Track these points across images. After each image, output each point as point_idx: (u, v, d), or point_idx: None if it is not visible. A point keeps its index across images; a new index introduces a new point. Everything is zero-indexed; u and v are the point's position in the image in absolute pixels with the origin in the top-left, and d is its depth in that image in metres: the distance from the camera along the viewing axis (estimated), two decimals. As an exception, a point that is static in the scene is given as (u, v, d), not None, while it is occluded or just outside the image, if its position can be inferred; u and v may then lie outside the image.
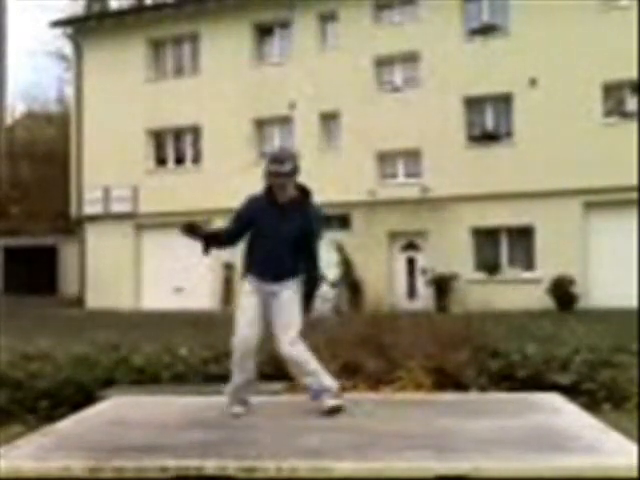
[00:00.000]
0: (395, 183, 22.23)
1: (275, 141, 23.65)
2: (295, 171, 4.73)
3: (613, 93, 20.50)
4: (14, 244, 30.87)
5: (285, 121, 23.28)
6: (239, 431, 4.22)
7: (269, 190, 4.76)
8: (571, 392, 5.70)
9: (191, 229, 4.91)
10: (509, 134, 21.40)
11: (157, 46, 25.39)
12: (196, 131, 24.45)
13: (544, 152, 20.12)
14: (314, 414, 4.62)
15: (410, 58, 22.03)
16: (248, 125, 23.58)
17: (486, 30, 21.66)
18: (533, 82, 20.61)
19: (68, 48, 29.98)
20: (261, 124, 23.85)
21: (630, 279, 18.86)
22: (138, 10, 26.39)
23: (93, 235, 25.28)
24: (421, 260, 21.86)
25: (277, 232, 4.72)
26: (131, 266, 24.66)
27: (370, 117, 21.88)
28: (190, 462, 3.49)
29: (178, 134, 25.04)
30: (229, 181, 22.22)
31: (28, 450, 3.86)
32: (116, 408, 5.10)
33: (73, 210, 25.95)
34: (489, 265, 21.13)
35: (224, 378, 6.33)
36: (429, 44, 21.54)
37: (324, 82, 22.36)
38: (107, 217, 24.94)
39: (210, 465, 3.45)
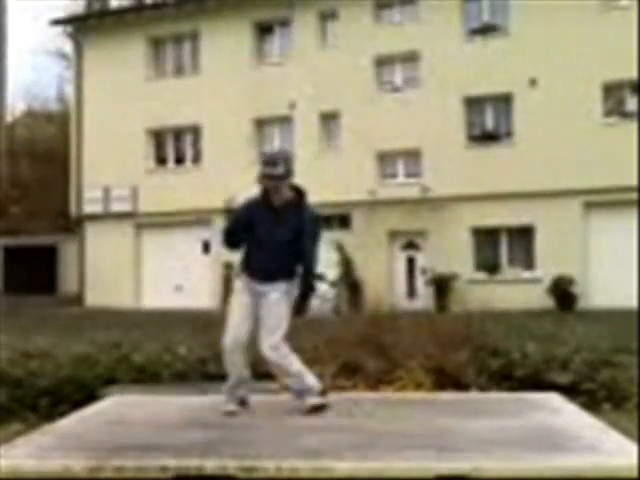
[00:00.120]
0: (395, 183, 22.23)
1: (275, 141, 23.66)
2: (288, 173, 4.74)
3: (613, 93, 20.51)
4: (14, 243, 30.84)
5: (285, 121, 23.28)
6: (239, 431, 4.22)
7: (264, 193, 4.76)
8: (571, 392, 5.70)
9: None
10: (509, 134, 21.41)
11: (157, 45, 25.40)
12: (196, 130, 24.45)
13: (544, 152, 20.12)
14: (310, 413, 4.62)
15: (410, 58, 22.03)
16: (248, 125, 23.57)
17: (486, 30, 21.65)
18: (533, 82, 20.61)
19: (68, 47, 29.98)
20: (261, 124, 23.84)
21: (630, 279, 18.87)
22: (138, 9, 26.34)
23: (93, 234, 25.28)
24: (421, 260, 21.86)
25: (272, 234, 4.75)
26: (131, 265, 24.66)
27: (370, 117, 21.88)
28: (190, 461, 3.49)
29: (178, 133, 25.03)
30: (229, 181, 22.21)
31: (28, 449, 3.86)
32: (116, 407, 5.11)
33: (73, 209, 25.95)
34: (489, 265, 21.13)
35: (224, 377, 6.34)
36: (429, 44, 21.54)
37: (324, 82, 22.36)
38: (107, 216, 24.93)
39: (210, 465, 3.45)
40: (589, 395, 5.95)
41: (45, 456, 3.69)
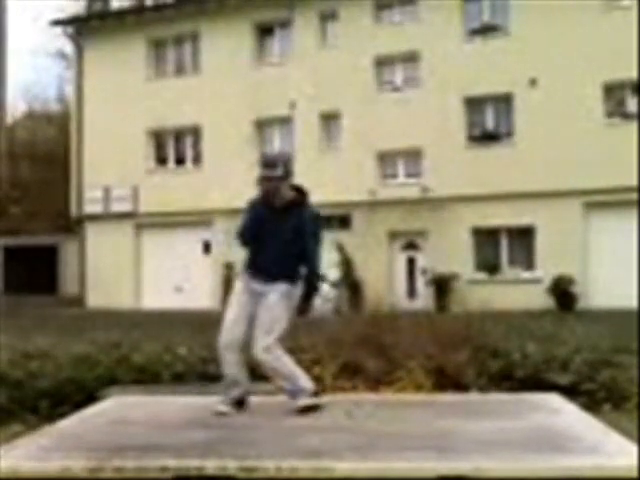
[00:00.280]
0: (395, 183, 22.24)
1: (275, 141, 23.67)
2: (287, 175, 4.75)
3: (614, 93, 20.50)
4: (14, 243, 30.83)
5: (285, 121, 23.29)
6: (239, 431, 4.22)
7: (265, 194, 4.77)
8: (571, 392, 5.70)
9: None
10: (509, 134, 21.41)
11: (157, 46, 25.40)
12: (196, 131, 24.45)
13: (544, 152, 20.13)
14: (314, 414, 4.62)
15: (410, 58, 22.04)
16: (248, 125, 23.59)
17: (486, 30, 21.66)
18: (533, 82, 20.61)
19: (69, 47, 29.98)
20: (261, 124, 23.85)
21: (630, 279, 18.87)
22: (139, 10, 26.37)
23: (93, 235, 25.30)
24: (421, 260, 21.87)
25: (274, 235, 4.75)
26: (131, 266, 24.67)
27: (370, 117, 21.89)
28: (190, 462, 3.49)
29: (178, 134, 25.04)
30: (229, 181, 22.23)
31: (28, 450, 3.86)
32: (116, 407, 5.11)
33: (73, 210, 25.96)
34: (489, 265, 21.13)
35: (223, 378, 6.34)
36: (429, 44, 21.55)
37: (324, 82, 22.37)
38: (107, 217, 24.95)
39: (210, 465, 3.45)
40: (589, 395, 5.94)
41: (45, 457, 3.69)
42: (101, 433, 4.27)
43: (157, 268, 24.42)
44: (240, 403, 4.85)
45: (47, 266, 30.25)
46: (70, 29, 26.67)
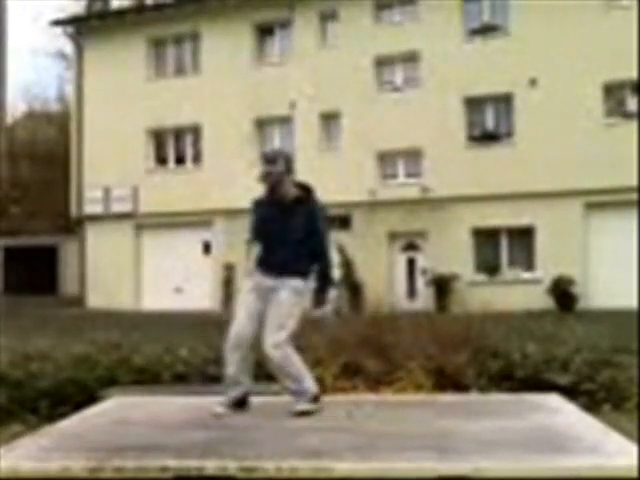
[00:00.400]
0: (395, 183, 22.24)
1: (275, 141, 23.67)
2: (289, 170, 4.77)
3: (614, 93, 20.51)
4: (14, 244, 30.86)
5: (285, 121, 23.30)
6: (239, 431, 4.22)
7: (270, 191, 4.79)
8: (571, 392, 5.70)
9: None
10: (509, 134, 21.42)
11: (157, 45, 25.41)
12: (196, 131, 24.46)
13: (544, 152, 20.14)
14: (314, 415, 4.63)
15: (410, 58, 22.05)
16: (248, 125, 23.60)
17: (486, 30, 21.67)
18: (533, 82, 20.62)
19: (69, 47, 29.99)
20: (261, 124, 23.86)
21: (630, 279, 18.88)
22: (139, 9, 26.36)
23: (93, 235, 25.30)
24: (421, 260, 21.87)
25: (281, 231, 4.77)
26: (131, 266, 24.67)
27: (370, 117, 21.90)
28: (190, 462, 3.49)
29: (178, 134, 25.05)
30: (229, 181, 22.24)
31: (28, 450, 3.86)
32: (117, 408, 5.11)
33: (73, 210, 25.97)
34: (489, 265, 21.13)
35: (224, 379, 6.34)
36: (429, 44, 21.56)
37: (324, 82, 22.38)
38: (107, 217, 24.95)
39: (210, 465, 3.45)
40: (589, 395, 5.95)
41: (45, 457, 3.69)
42: (101, 433, 4.27)
43: (157, 268, 24.42)
44: (241, 404, 4.83)
45: (47, 266, 30.28)
46: (70, 29, 26.69)
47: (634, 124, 19.81)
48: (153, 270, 24.55)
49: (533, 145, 20.41)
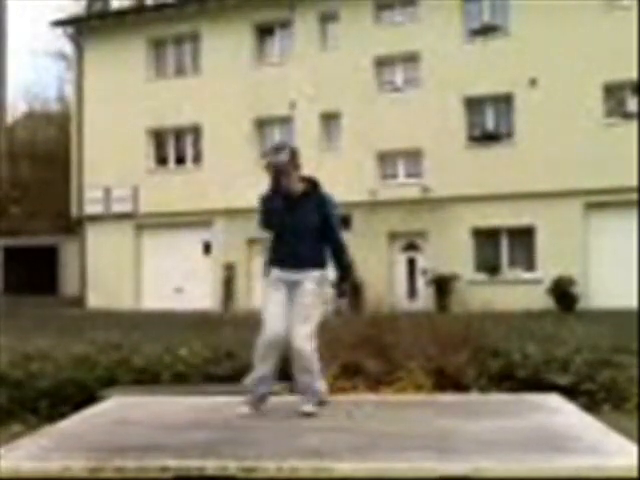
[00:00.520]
0: (395, 183, 22.24)
1: (275, 141, 23.65)
2: (295, 163, 4.81)
3: (614, 93, 20.51)
4: (14, 244, 30.87)
5: (285, 121, 23.29)
6: (240, 431, 4.22)
7: (275, 180, 4.77)
8: (571, 392, 5.70)
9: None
10: (509, 134, 21.41)
11: (158, 46, 25.41)
12: (196, 131, 24.46)
13: (545, 152, 20.13)
14: (314, 415, 4.63)
15: (410, 58, 22.05)
16: (248, 125, 23.59)
17: (486, 30, 21.67)
18: (533, 82, 20.62)
19: (69, 48, 29.99)
20: (261, 124, 23.86)
21: (630, 279, 18.88)
22: (139, 10, 26.37)
23: (93, 235, 25.29)
24: (421, 260, 21.86)
25: (292, 222, 4.78)
26: (131, 266, 24.67)
27: (370, 117, 21.89)
28: (191, 462, 3.49)
29: (178, 134, 25.05)
30: (230, 181, 22.25)
31: (28, 450, 3.86)
32: (117, 408, 5.11)
33: (73, 210, 25.97)
34: (489, 265, 21.13)
35: (224, 379, 6.34)
36: (429, 44, 21.56)
37: (324, 82, 22.37)
38: (107, 217, 24.94)
39: (211, 465, 3.46)
40: (589, 396, 5.95)
41: (46, 457, 3.69)
42: (101, 433, 4.27)
43: (157, 268, 24.41)
44: (262, 399, 4.81)
45: (47, 266, 30.29)
46: (70, 29, 26.68)
47: (634, 124, 19.81)
48: (153, 270, 24.54)
49: (533, 145, 20.40)
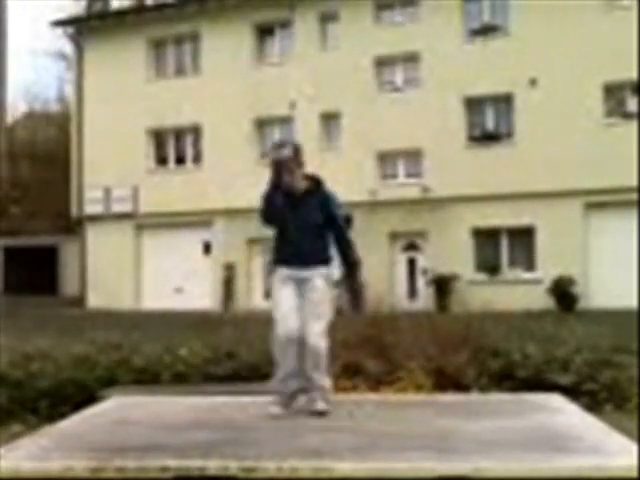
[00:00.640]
0: (395, 183, 22.24)
1: (276, 140, 23.63)
2: (297, 156, 4.79)
3: (614, 93, 20.50)
4: (14, 244, 30.87)
5: (285, 121, 23.28)
6: (240, 431, 4.22)
7: (276, 174, 4.76)
8: (572, 392, 5.70)
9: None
10: (509, 134, 21.41)
11: (158, 46, 25.41)
12: (196, 131, 24.46)
13: (545, 152, 20.13)
14: (314, 415, 4.62)
15: (410, 58, 22.05)
16: (248, 125, 23.59)
17: (486, 30, 21.67)
18: (533, 82, 20.62)
19: (69, 48, 29.99)
20: (261, 124, 23.86)
21: (630, 279, 18.87)
22: (139, 10, 26.38)
23: (93, 235, 25.29)
24: (422, 260, 21.86)
25: (296, 219, 4.78)
26: (131, 266, 24.67)
27: (370, 117, 21.89)
28: (191, 462, 3.49)
29: (178, 134, 25.04)
30: (230, 181, 22.24)
31: (29, 450, 3.86)
32: (117, 408, 5.10)
33: (73, 210, 25.96)
34: (489, 265, 21.13)
35: (224, 378, 6.34)
36: (429, 44, 21.56)
37: (324, 82, 22.37)
38: (107, 217, 24.94)
39: (211, 465, 3.45)
40: (590, 395, 5.94)
41: (46, 457, 3.69)
42: (102, 433, 4.27)
43: (157, 269, 24.41)
44: (293, 396, 4.79)
45: (47, 267, 30.29)
46: (70, 29, 26.68)
47: (634, 124, 19.81)
48: (153, 270, 24.54)
49: (533, 145, 20.40)
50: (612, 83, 20.15)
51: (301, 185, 4.84)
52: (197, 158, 24.68)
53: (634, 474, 3.30)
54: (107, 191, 24.88)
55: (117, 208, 24.83)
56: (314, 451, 3.67)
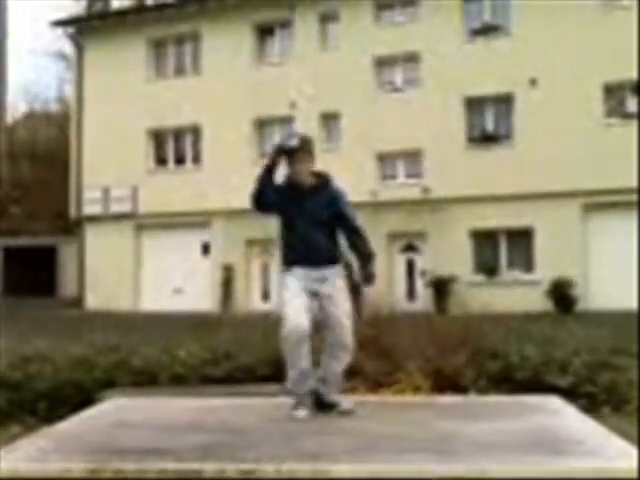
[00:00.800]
0: (395, 184, 22.23)
1: (275, 141, 23.58)
2: (308, 146, 4.79)
3: (614, 94, 20.50)
4: (14, 244, 30.86)
5: (285, 121, 23.24)
6: (238, 434, 4.21)
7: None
8: (571, 394, 5.69)
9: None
10: (509, 136, 21.40)
11: (158, 46, 25.40)
12: (196, 131, 24.45)
13: (544, 153, 20.12)
14: (313, 417, 4.62)
15: (411, 58, 22.05)
16: (248, 125, 23.59)
17: (487, 30, 21.67)
18: (533, 82, 20.61)
19: (69, 48, 29.99)
20: (261, 124, 23.85)
21: (630, 281, 18.85)
22: (139, 10, 26.37)
23: (92, 235, 25.27)
24: (420, 262, 21.85)
25: (306, 215, 4.72)
26: (130, 267, 24.64)
27: (370, 117, 21.89)
28: (189, 465, 3.49)
29: (178, 134, 25.03)
30: (229, 181, 22.21)
31: (27, 452, 3.85)
32: (115, 410, 5.10)
33: (73, 210, 25.94)
34: (488, 267, 21.11)
35: (222, 380, 6.33)
36: (430, 44, 21.55)
37: (324, 82, 22.36)
38: (107, 217, 24.91)
39: (209, 468, 3.45)
40: (589, 398, 5.94)
41: (45, 458, 3.68)
42: (100, 435, 4.26)
43: (156, 269, 24.39)
44: (312, 394, 4.76)
45: (46, 267, 30.27)
46: (70, 29, 26.65)
47: (634, 125, 19.80)
48: (152, 271, 24.52)
49: (533, 146, 20.39)
50: (612, 83, 20.15)
51: (308, 180, 4.80)
52: (197, 158, 24.66)
53: (633, 477, 3.30)
54: (106, 191, 24.85)
55: (116, 208, 24.80)
56: (312, 453, 3.66)
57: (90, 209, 25.16)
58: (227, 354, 6.87)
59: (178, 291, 23.93)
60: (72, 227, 27.48)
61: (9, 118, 33.26)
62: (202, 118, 23.95)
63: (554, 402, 5.10)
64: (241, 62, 23.82)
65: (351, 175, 21.61)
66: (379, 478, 3.39)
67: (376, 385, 6.11)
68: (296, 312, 4.59)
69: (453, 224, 21.05)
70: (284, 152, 4.75)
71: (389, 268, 21.86)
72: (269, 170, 4.75)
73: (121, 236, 24.67)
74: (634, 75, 19.46)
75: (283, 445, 3.89)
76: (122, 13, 26.31)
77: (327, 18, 23.15)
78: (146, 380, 6.39)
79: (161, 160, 25.28)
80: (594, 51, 19.90)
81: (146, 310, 23.02)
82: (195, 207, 23.36)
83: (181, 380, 6.42)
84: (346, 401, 4.78)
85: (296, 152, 4.73)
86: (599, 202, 19.86)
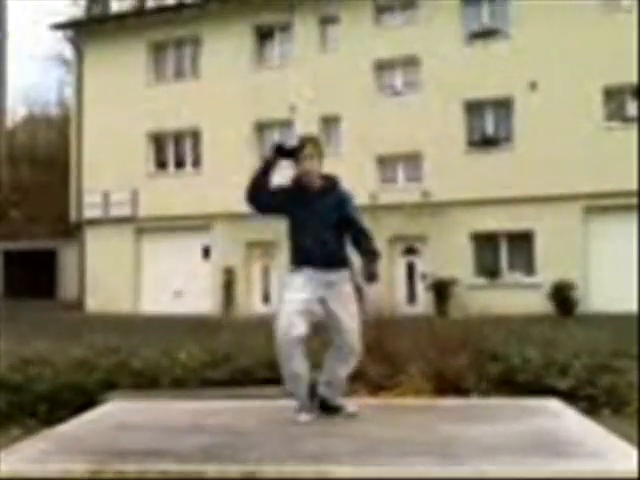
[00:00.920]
0: (395, 187, 22.23)
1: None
2: (317, 145, 4.77)
3: (614, 97, 20.51)
4: (14, 248, 30.85)
5: (285, 124, 23.28)
6: (239, 436, 4.21)
7: (296, 178, 4.75)
8: (571, 397, 5.69)
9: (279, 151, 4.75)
10: (509, 139, 21.40)
11: (158, 49, 25.41)
12: (196, 134, 24.46)
13: (544, 156, 20.12)
14: (315, 419, 4.62)
15: (410, 62, 22.06)
16: (248, 128, 23.59)
17: (486, 34, 21.68)
18: (533, 86, 20.63)
19: (68, 51, 30.03)
20: (261, 127, 23.86)
21: (630, 283, 18.85)
22: (139, 13, 26.42)
23: (93, 239, 25.26)
24: (421, 265, 21.85)
25: (313, 215, 4.68)
26: (131, 270, 24.63)
27: (370, 121, 21.90)
28: (191, 466, 3.49)
29: (178, 137, 25.03)
30: (229, 185, 22.19)
31: (28, 454, 3.85)
32: (116, 412, 5.10)
33: (73, 214, 25.93)
34: (489, 270, 21.11)
35: (223, 383, 6.33)
36: (429, 48, 21.57)
37: (324, 85, 22.38)
38: (107, 221, 24.91)
39: (211, 469, 3.45)
40: (589, 400, 5.94)
41: (46, 460, 3.68)
42: (101, 437, 4.26)
43: (156, 273, 24.38)
44: (314, 395, 4.72)
45: (47, 270, 30.26)
46: (70, 33, 26.67)
47: (634, 128, 19.82)
48: (153, 274, 24.51)
49: (533, 148, 20.40)
50: (612, 87, 20.16)
51: (317, 182, 4.77)
52: (197, 162, 24.66)
53: (634, 478, 3.30)
54: (106, 195, 24.85)
55: (116, 212, 24.80)
56: (314, 455, 3.66)
57: (90, 212, 25.15)
58: (227, 356, 6.88)
59: (179, 294, 23.92)
60: (72, 230, 27.48)
61: (9, 122, 33.28)
62: (202, 121, 23.96)
63: (555, 405, 5.09)
64: (241, 65, 23.83)
65: (351, 178, 21.60)
66: (380, 480, 3.39)
67: (377, 388, 6.11)
68: (294, 316, 4.51)
69: (453, 227, 21.06)
70: (288, 153, 4.72)
71: (389, 271, 21.86)
72: (265, 171, 4.72)
73: (121, 239, 24.67)
74: (634, 79, 19.48)
75: (284, 447, 3.89)
76: (122, 16, 26.35)
77: (327, 21, 23.18)
78: (146, 382, 6.39)
79: (161, 163, 25.28)
80: (594, 54, 19.92)
81: (147, 313, 23.02)
82: (195, 210, 23.37)
83: (181, 382, 6.41)
84: (350, 404, 4.78)
85: (305, 150, 4.69)
86: (599, 205, 19.87)
